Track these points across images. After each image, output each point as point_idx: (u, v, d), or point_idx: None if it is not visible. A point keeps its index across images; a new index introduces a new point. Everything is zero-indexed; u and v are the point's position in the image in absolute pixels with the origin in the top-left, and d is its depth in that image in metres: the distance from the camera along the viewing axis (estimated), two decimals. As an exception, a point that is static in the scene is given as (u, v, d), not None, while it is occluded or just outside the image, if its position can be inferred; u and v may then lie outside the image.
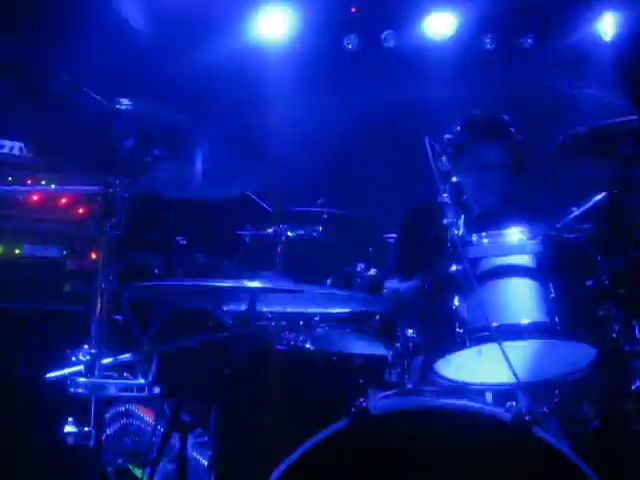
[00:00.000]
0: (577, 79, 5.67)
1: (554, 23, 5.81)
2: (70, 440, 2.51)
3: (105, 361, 2.58)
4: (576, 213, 3.46)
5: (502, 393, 2.68)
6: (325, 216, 4.67)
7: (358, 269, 3.61)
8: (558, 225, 3.10)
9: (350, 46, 5.87)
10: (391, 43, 5.87)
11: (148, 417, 3.88)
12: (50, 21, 4.96)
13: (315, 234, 4.58)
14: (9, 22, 4.67)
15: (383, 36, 5.87)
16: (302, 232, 4.47)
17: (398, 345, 3.17)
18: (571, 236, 2.74)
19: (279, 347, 3.39)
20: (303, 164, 5.45)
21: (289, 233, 4.13)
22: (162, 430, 3.62)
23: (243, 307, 2.92)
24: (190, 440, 3.57)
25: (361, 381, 3.38)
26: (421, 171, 2.79)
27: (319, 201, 4.68)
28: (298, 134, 5.52)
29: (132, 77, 5.15)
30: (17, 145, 3.90)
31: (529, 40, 5.86)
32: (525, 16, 5.87)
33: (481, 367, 2.70)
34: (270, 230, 4.12)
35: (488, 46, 5.88)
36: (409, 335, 3.12)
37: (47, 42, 4.66)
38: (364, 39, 5.88)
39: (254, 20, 5.70)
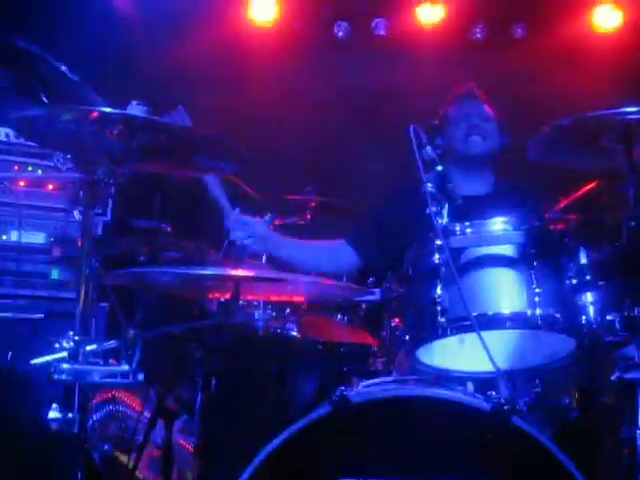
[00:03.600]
0: (566, 70, 5.66)
1: (545, 14, 5.81)
2: (54, 426, 2.51)
3: (89, 348, 2.58)
4: (562, 204, 3.48)
5: (484, 382, 2.70)
6: (313, 204, 4.68)
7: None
8: (544, 216, 3.11)
9: (340, 33, 5.86)
10: (381, 31, 5.87)
11: (134, 403, 3.89)
12: (39, 7, 4.95)
13: (303, 222, 4.59)
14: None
15: (373, 24, 5.87)
16: (290, 220, 4.48)
17: (384, 334, 3.18)
18: (555, 227, 2.75)
19: (264, 334, 3.40)
20: (290, 151, 5.45)
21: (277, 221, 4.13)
22: (148, 416, 3.64)
23: (228, 295, 2.92)
24: (175, 426, 3.59)
25: (345, 369, 3.40)
26: (409, 159, 2.79)
27: (307, 188, 4.70)
28: (285, 121, 5.52)
29: (123, 63, 5.14)
30: (3, 131, 3.89)
31: (519, 30, 5.87)
32: (515, 6, 5.87)
33: (463, 356, 2.72)
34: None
35: (478, 36, 5.88)
36: (395, 324, 3.14)
37: (35, 28, 4.63)
38: (354, 26, 5.87)
39: (244, 5, 5.69)
